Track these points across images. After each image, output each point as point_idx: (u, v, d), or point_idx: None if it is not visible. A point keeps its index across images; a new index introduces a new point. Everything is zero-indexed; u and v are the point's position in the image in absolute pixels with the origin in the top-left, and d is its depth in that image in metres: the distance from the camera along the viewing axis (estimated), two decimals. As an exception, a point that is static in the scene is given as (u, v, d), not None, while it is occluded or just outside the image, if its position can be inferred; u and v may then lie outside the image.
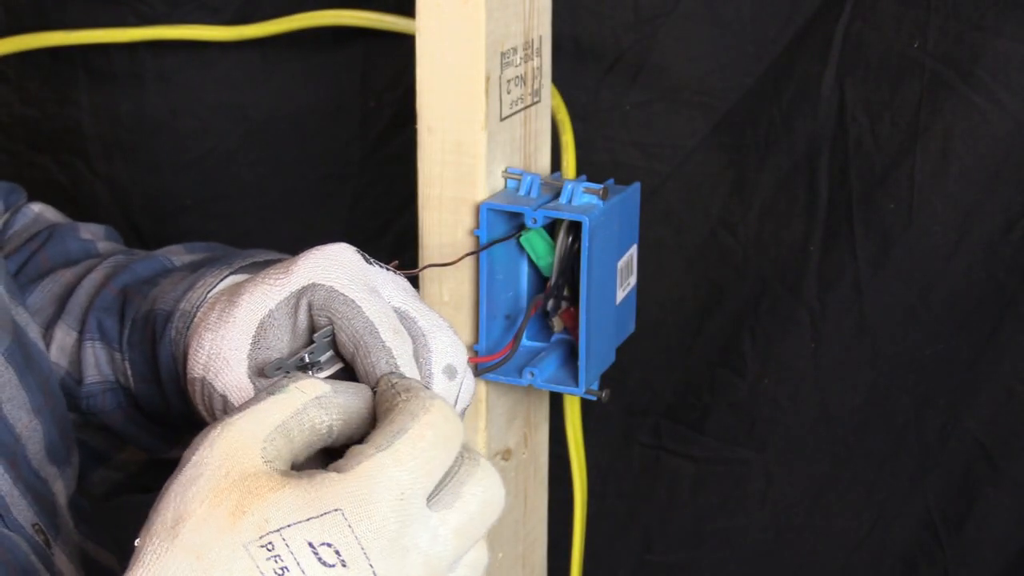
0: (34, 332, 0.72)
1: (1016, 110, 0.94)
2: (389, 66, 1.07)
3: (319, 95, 1.10)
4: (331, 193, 1.13)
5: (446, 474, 0.53)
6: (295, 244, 1.13)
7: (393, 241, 1.10)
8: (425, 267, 0.83)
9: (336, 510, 0.50)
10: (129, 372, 0.73)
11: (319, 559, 0.49)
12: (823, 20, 0.98)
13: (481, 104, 0.80)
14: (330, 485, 0.50)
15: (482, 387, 0.86)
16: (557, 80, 0.91)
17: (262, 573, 0.48)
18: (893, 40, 0.97)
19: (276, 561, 0.49)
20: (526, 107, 0.86)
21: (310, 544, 0.49)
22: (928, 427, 1.04)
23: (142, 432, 0.75)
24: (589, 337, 0.83)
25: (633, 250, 0.90)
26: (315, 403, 0.54)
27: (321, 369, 0.61)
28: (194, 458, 0.51)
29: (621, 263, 0.88)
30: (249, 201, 1.13)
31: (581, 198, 0.83)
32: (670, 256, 1.05)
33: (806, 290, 1.03)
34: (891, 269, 1.01)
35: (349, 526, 0.50)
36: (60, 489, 0.70)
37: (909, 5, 0.96)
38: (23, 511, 0.64)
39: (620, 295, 0.88)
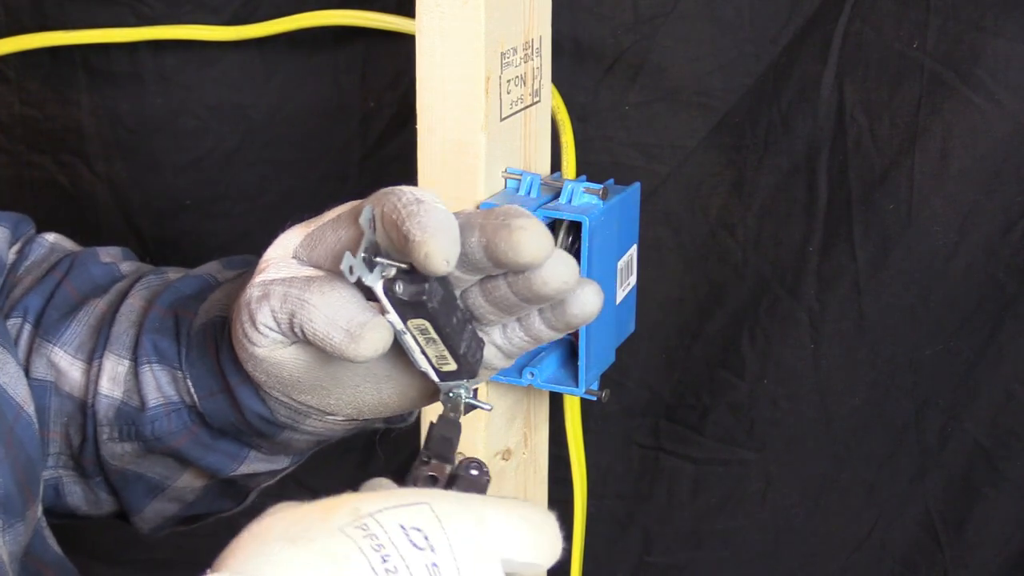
0: (7, 375, 0.70)
1: (1016, 110, 0.94)
2: (389, 66, 1.07)
3: (319, 95, 1.10)
4: (331, 193, 1.12)
5: None
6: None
7: (393, 241, 1.11)
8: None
9: (424, 503, 0.50)
10: (193, 390, 0.72)
11: (410, 541, 0.49)
12: (823, 20, 0.98)
13: (481, 104, 0.80)
14: (416, 488, 0.52)
15: (482, 388, 0.86)
16: (557, 80, 0.91)
17: (360, 549, 0.48)
18: (893, 40, 0.97)
19: (372, 539, 0.48)
20: (526, 107, 0.86)
21: (402, 527, 0.49)
22: (928, 428, 1.04)
23: (208, 452, 0.74)
24: (589, 337, 0.83)
25: (633, 250, 0.90)
26: None
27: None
28: None
29: (621, 263, 0.88)
30: (249, 201, 1.13)
31: (581, 198, 0.83)
32: (670, 256, 1.05)
33: (805, 291, 1.03)
34: (890, 270, 1.01)
35: (437, 518, 0.50)
36: (2, 544, 0.67)
37: (909, 5, 0.96)
38: None
39: (620, 295, 0.88)
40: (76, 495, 0.78)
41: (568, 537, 0.97)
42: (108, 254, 0.82)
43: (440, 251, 0.58)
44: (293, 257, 0.65)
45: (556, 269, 0.63)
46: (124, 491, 0.76)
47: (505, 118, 0.83)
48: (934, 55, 0.95)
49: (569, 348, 0.87)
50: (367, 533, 0.49)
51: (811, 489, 1.08)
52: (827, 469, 1.07)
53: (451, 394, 0.62)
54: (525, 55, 0.84)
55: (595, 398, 0.86)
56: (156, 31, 1.07)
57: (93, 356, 0.75)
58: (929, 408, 1.04)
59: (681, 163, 1.03)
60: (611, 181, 0.85)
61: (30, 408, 0.71)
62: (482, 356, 0.65)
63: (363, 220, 0.61)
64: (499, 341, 0.66)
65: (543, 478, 0.97)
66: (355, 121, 1.11)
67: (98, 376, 0.74)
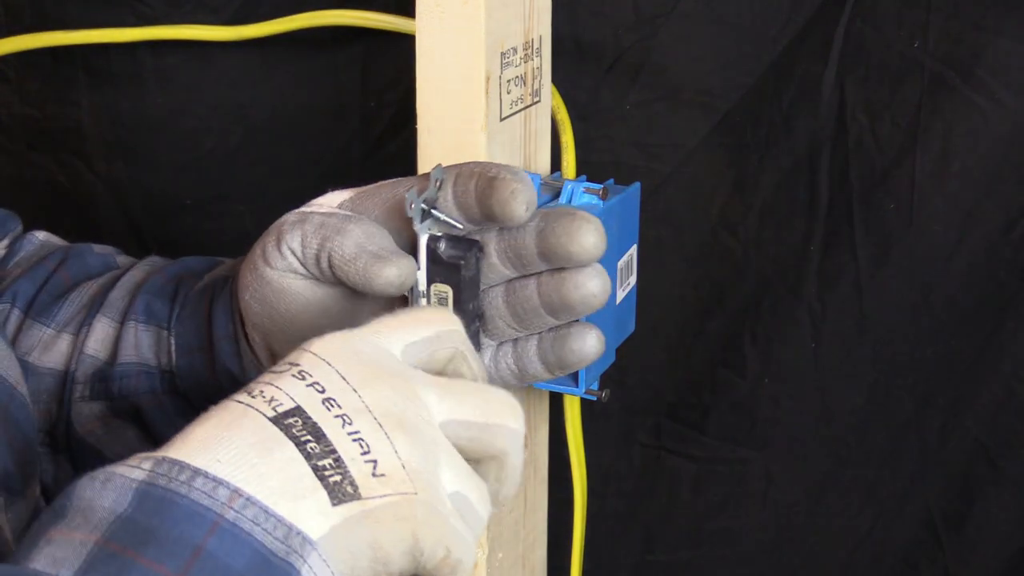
0: None
1: (1016, 110, 0.94)
2: (389, 66, 1.07)
3: (319, 95, 1.10)
4: (331, 193, 1.13)
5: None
6: (295, 244, 1.13)
7: (393, 241, 1.11)
8: (426, 267, 0.83)
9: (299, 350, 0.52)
10: (173, 347, 0.72)
11: (276, 371, 0.50)
12: (823, 20, 0.98)
13: (481, 104, 0.80)
14: None
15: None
16: (557, 80, 0.91)
17: (240, 402, 0.50)
18: (893, 40, 0.97)
19: (247, 392, 0.50)
20: (526, 107, 0.86)
21: (271, 371, 0.51)
22: (928, 426, 1.04)
23: (167, 426, 0.74)
24: (589, 337, 0.83)
25: (633, 250, 0.90)
26: None
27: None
28: None
29: (621, 263, 0.87)
30: (249, 201, 1.13)
31: (581, 198, 0.83)
32: (670, 256, 1.05)
33: (806, 290, 1.03)
34: (891, 269, 1.01)
35: (306, 350, 0.51)
36: (5, 522, 0.66)
37: (909, 5, 0.96)
38: None
39: (620, 295, 0.88)
40: (48, 474, 0.78)
41: (568, 536, 0.98)
42: (102, 248, 0.83)
43: (525, 193, 0.60)
44: (338, 207, 0.65)
45: (591, 277, 0.63)
46: (80, 468, 0.76)
47: (505, 118, 0.83)
48: (935, 55, 0.95)
49: (569, 348, 0.87)
50: (248, 391, 0.50)
51: (812, 488, 1.08)
52: (828, 468, 1.07)
53: None
54: (525, 55, 0.84)
55: (595, 398, 0.86)
56: (156, 31, 1.06)
57: (83, 325, 0.75)
58: (929, 407, 1.04)
59: (682, 163, 1.03)
60: (611, 181, 0.85)
61: (23, 388, 0.72)
62: None
63: (434, 172, 0.62)
64: (487, 361, 0.66)
65: (543, 478, 0.97)
66: (355, 121, 1.11)
67: (86, 338, 0.74)
